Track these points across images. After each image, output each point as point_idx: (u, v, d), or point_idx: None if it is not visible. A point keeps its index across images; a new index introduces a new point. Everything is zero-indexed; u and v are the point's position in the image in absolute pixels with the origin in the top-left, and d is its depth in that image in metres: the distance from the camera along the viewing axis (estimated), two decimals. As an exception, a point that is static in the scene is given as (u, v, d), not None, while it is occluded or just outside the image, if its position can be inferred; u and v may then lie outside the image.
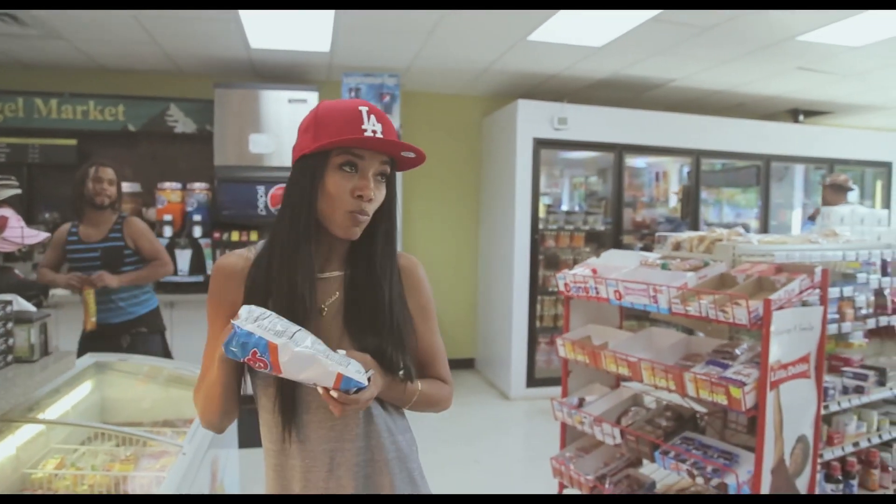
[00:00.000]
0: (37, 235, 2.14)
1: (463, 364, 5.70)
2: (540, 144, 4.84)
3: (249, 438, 2.22)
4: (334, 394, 0.90)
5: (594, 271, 2.49)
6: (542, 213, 5.05)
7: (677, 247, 2.80)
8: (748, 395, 1.89)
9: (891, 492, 2.65)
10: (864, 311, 2.54)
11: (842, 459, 2.52)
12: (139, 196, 4.37)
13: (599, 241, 5.23)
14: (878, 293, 2.60)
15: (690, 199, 5.43)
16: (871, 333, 2.80)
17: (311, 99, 4.35)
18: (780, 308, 1.92)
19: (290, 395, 1.01)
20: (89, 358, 2.42)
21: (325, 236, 1.04)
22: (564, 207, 5.75)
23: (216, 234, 4.24)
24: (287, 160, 4.52)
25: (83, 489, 1.77)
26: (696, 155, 5.32)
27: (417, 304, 1.13)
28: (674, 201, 5.83)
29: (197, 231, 4.27)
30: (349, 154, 0.99)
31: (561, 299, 4.44)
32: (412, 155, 1.03)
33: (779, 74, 4.73)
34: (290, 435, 1.02)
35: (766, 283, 2.09)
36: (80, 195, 2.82)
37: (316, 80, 5.05)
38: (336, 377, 0.88)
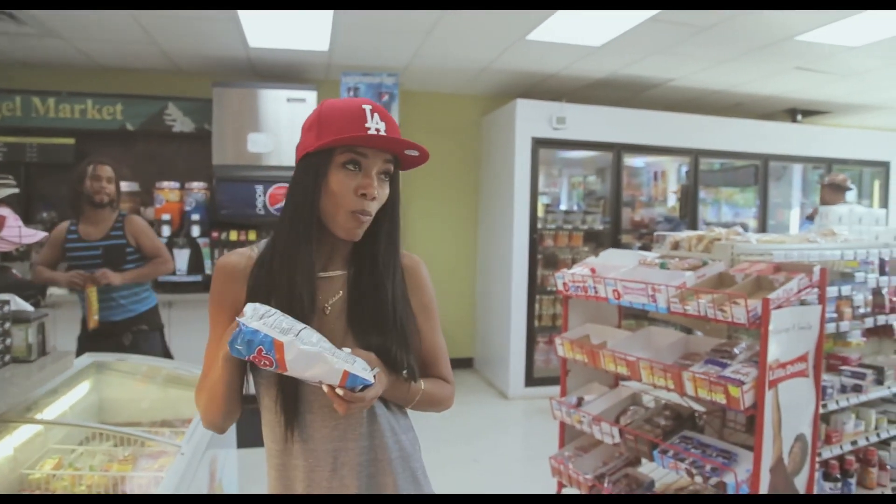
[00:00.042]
0: (34, 235, 2.14)
1: (461, 363, 5.69)
2: (538, 144, 4.84)
3: (248, 438, 2.22)
4: (340, 391, 0.89)
5: (593, 270, 2.49)
6: (540, 213, 5.04)
7: (676, 246, 2.81)
8: (747, 394, 1.89)
9: (889, 490, 2.66)
10: (862, 311, 2.56)
11: (840, 458, 2.53)
12: (137, 195, 4.36)
13: (598, 241, 5.23)
14: (876, 292, 2.62)
15: (689, 199, 5.44)
16: (868, 332, 2.82)
17: (310, 98, 4.35)
18: (779, 307, 1.93)
19: (293, 395, 1.00)
20: (87, 358, 2.41)
21: (327, 235, 1.04)
22: (563, 207, 5.75)
23: (214, 234, 4.24)
24: (286, 159, 4.53)
25: (81, 489, 1.76)
26: (695, 154, 5.32)
27: (420, 304, 1.13)
28: (672, 201, 5.83)
29: (195, 230, 4.27)
30: (353, 152, 0.99)
31: (559, 298, 4.43)
32: (416, 153, 1.02)
33: (777, 74, 4.74)
34: (292, 434, 1.02)
35: (764, 283, 2.10)
36: (79, 193, 2.82)
37: (314, 80, 5.04)
38: (342, 374, 0.87)
